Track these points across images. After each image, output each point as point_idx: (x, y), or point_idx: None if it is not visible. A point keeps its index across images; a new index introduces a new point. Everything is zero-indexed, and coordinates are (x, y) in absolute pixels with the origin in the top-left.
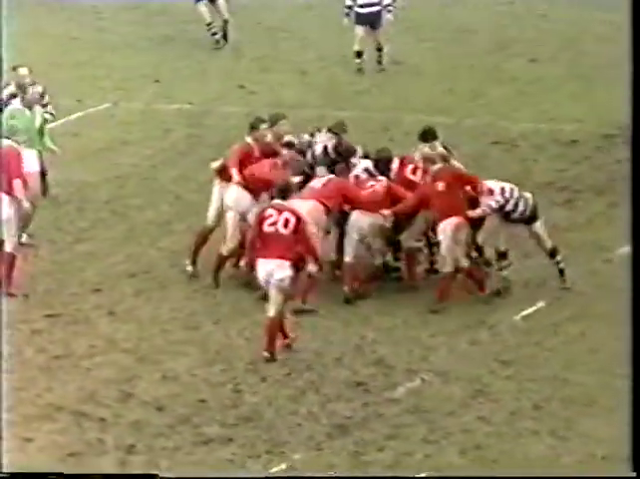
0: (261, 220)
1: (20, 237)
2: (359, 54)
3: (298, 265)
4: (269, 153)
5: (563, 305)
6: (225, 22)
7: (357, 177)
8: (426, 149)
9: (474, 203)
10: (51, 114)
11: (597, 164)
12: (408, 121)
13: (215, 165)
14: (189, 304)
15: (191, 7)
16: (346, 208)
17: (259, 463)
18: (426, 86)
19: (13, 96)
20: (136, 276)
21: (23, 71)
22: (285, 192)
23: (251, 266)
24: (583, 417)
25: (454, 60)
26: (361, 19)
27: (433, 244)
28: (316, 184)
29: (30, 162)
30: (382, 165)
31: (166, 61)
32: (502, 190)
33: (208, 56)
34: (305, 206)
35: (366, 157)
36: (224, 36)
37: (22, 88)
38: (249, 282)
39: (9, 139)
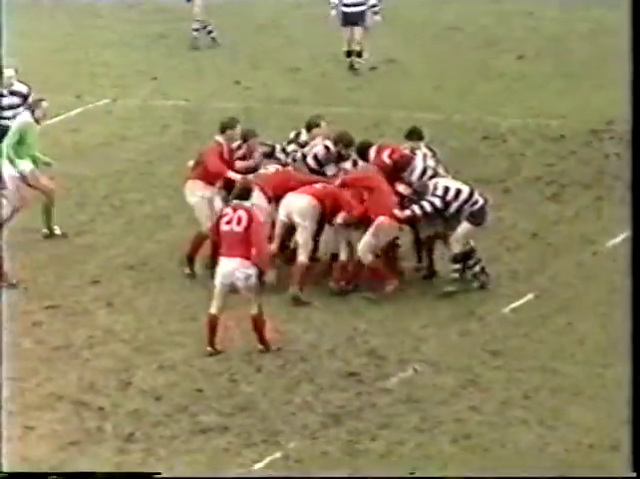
0: (219, 219)
1: None
2: (349, 53)
3: (257, 261)
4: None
5: (551, 297)
6: (202, 22)
7: (316, 158)
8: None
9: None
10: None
11: (584, 158)
12: (398, 117)
13: (191, 164)
14: (186, 296)
15: (187, 6)
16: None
17: (255, 452)
18: (415, 83)
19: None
20: (134, 269)
21: (9, 72)
22: (244, 191)
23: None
24: (571, 406)
25: (442, 57)
26: (346, 19)
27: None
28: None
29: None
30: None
31: (163, 58)
32: (446, 191)
33: (204, 53)
34: (299, 200)
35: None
36: (213, 38)
37: (34, 103)
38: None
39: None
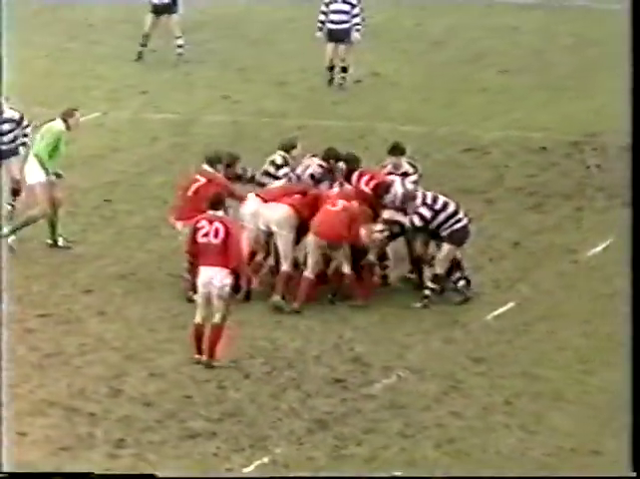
0: (195, 231)
1: None
2: (331, 69)
3: (237, 272)
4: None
5: (533, 305)
6: (177, 37)
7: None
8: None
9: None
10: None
11: (565, 170)
12: (383, 129)
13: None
14: (176, 305)
15: (177, 21)
16: None
17: (243, 457)
18: (401, 96)
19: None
20: (124, 278)
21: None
22: (217, 203)
23: (193, 273)
24: (552, 411)
25: (428, 71)
26: (331, 35)
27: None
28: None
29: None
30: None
31: (154, 72)
32: (434, 200)
33: (194, 67)
34: (277, 210)
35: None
36: (179, 54)
37: (67, 113)
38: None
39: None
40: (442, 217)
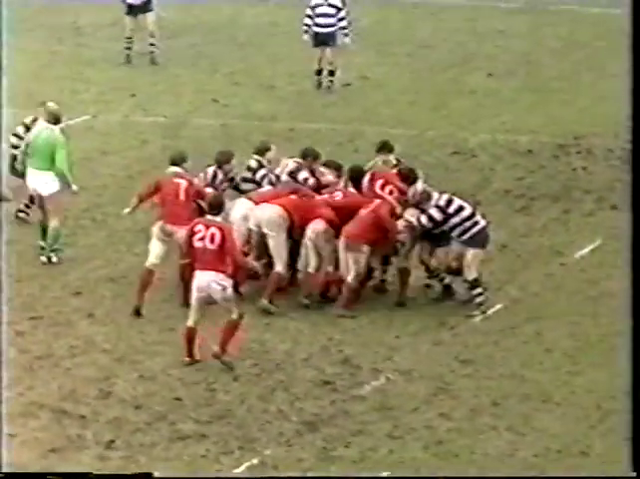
0: (191, 235)
1: None
2: (319, 72)
3: (235, 275)
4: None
5: (520, 307)
6: (152, 37)
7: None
8: (380, 160)
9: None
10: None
11: (552, 172)
12: (372, 132)
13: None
14: (165, 307)
15: (165, 24)
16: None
17: (232, 458)
18: (389, 99)
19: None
20: (114, 281)
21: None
22: (216, 207)
23: (186, 277)
24: (539, 413)
25: (416, 74)
26: (317, 39)
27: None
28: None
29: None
30: (354, 179)
31: (143, 76)
32: (448, 203)
33: (183, 70)
34: (268, 210)
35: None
36: (151, 52)
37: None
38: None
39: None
40: (455, 220)
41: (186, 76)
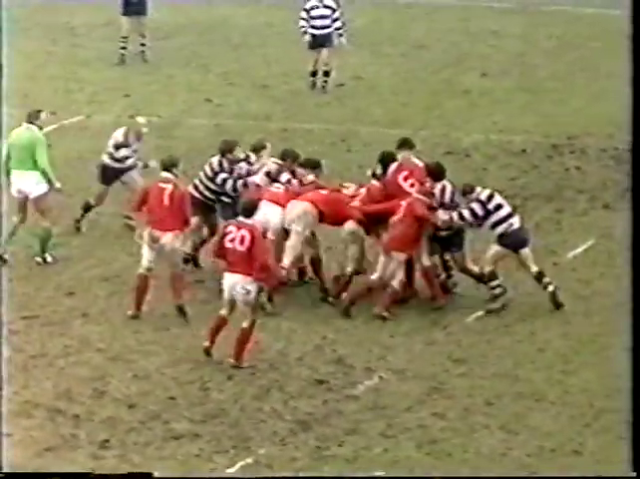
0: (223, 235)
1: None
2: (314, 73)
3: (264, 279)
4: None
5: (513, 307)
6: (143, 37)
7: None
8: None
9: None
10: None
11: (545, 172)
12: (366, 132)
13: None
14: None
15: (158, 25)
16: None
17: (226, 457)
18: (382, 99)
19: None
20: (108, 280)
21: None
22: (249, 210)
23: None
24: (532, 412)
25: (409, 74)
26: (315, 41)
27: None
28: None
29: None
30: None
31: (136, 76)
32: (489, 199)
33: (177, 71)
34: (299, 206)
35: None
36: (142, 52)
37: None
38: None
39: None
40: (494, 218)
41: (180, 76)
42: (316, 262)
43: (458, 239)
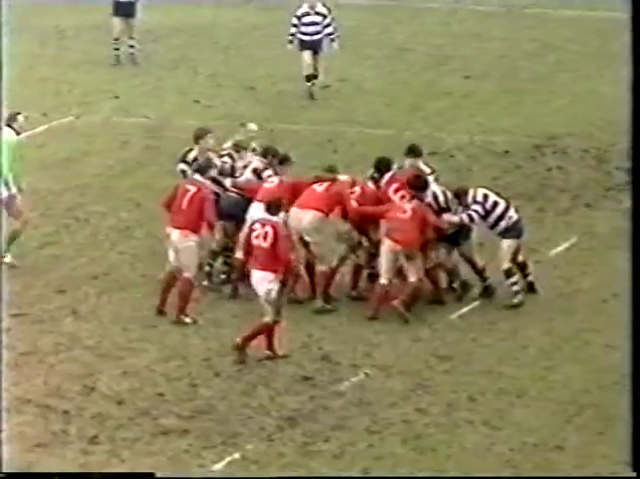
0: (250, 233)
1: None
2: (308, 78)
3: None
4: None
5: (496, 305)
6: (131, 39)
7: (255, 171)
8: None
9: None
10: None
11: (527, 172)
12: (351, 133)
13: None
14: (148, 304)
15: (147, 27)
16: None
17: (214, 453)
18: (367, 101)
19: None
20: (97, 278)
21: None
22: (274, 207)
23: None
24: (515, 408)
25: (393, 76)
26: (304, 45)
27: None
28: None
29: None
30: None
31: (125, 78)
32: (485, 199)
33: (165, 73)
34: (307, 216)
35: (264, 155)
36: (132, 54)
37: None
38: None
39: None
40: (494, 216)
41: (169, 78)
42: (311, 266)
43: (465, 231)
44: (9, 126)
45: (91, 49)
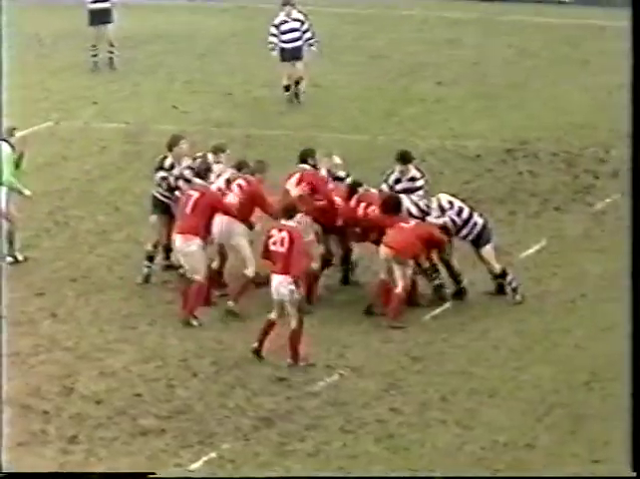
0: (267, 239)
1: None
2: (287, 88)
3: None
4: None
5: (468, 306)
6: (111, 46)
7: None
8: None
9: None
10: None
11: (498, 176)
12: (326, 138)
13: None
14: (126, 306)
15: (125, 34)
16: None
17: (191, 452)
18: (342, 106)
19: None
20: (76, 281)
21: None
22: (289, 212)
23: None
24: (486, 407)
25: (368, 83)
26: (285, 54)
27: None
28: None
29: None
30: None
31: (104, 84)
32: (450, 205)
33: (143, 79)
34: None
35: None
36: (110, 59)
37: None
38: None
39: None
40: (459, 221)
41: (147, 84)
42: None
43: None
44: (5, 140)
45: (69, 56)
